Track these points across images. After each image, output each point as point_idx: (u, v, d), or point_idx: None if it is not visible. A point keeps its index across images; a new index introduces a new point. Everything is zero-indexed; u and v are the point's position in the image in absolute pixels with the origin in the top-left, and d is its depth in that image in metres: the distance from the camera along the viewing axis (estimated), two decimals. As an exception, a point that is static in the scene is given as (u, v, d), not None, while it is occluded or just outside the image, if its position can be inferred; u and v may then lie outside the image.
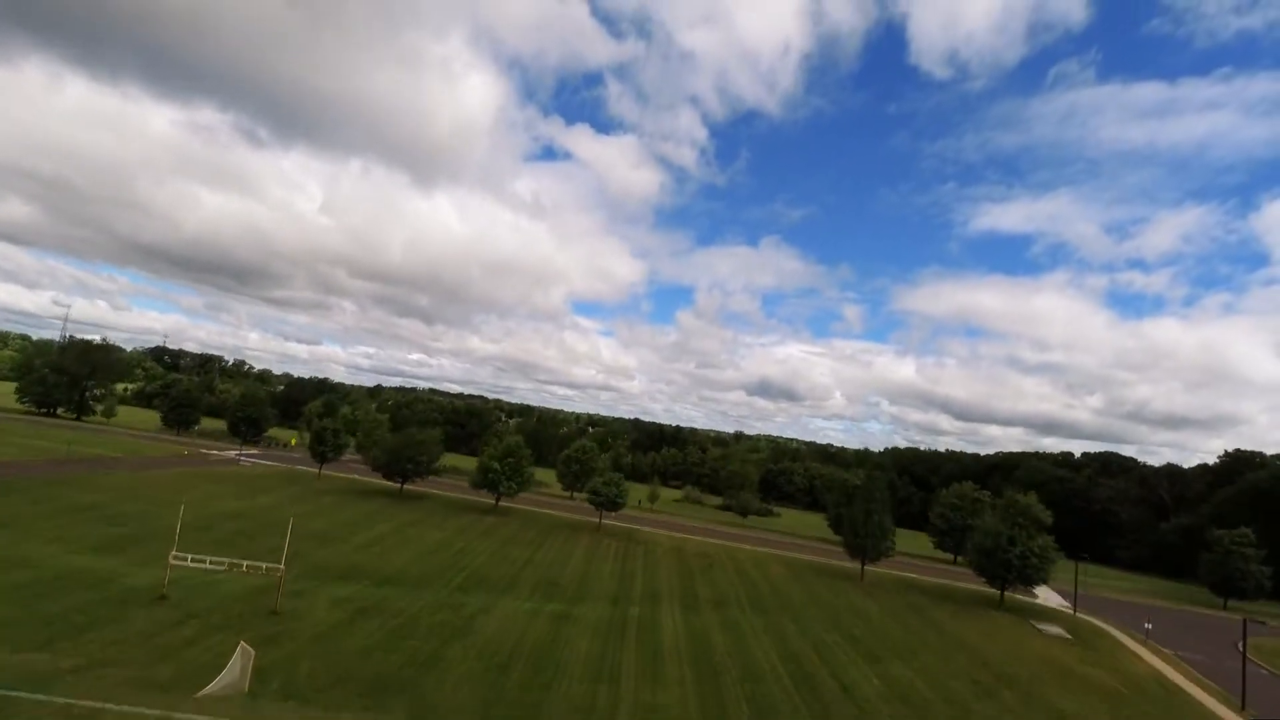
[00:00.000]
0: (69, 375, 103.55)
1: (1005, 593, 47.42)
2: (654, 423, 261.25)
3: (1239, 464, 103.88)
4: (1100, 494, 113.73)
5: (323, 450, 68.77)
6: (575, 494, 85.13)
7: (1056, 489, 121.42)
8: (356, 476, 73.92)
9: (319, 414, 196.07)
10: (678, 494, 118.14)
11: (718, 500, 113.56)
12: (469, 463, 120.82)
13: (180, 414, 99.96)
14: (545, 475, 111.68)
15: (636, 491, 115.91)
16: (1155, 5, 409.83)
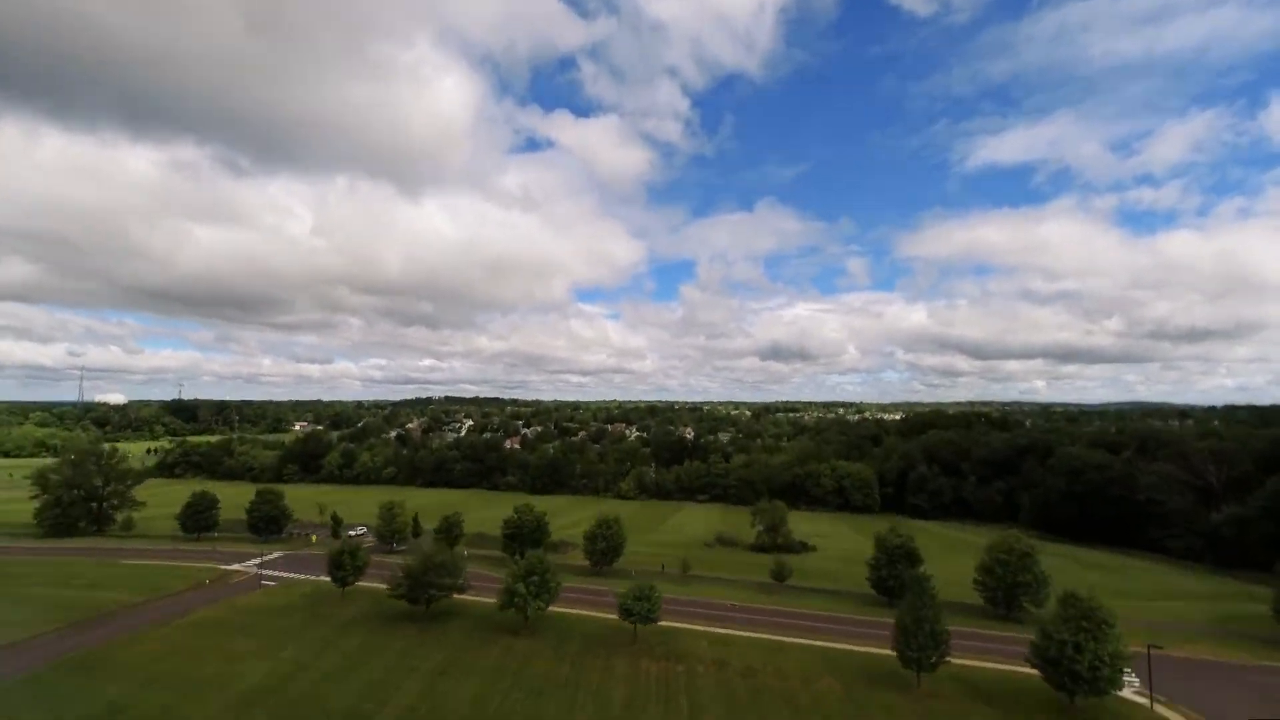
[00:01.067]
0: (83, 490, 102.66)
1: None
2: (675, 435, 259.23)
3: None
4: (1143, 481, 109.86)
5: (342, 575, 66.87)
6: (604, 569, 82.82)
7: (1094, 478, 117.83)
8: (381, 586, 71.27)
9: (340, 465, 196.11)
10: (709, 534, 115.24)
11: (750, 530, 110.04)
12: (493, 512, 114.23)
13: (197, 519, 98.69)
14: (569, 511, 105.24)
15: (665, 526, 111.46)
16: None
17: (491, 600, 65.35)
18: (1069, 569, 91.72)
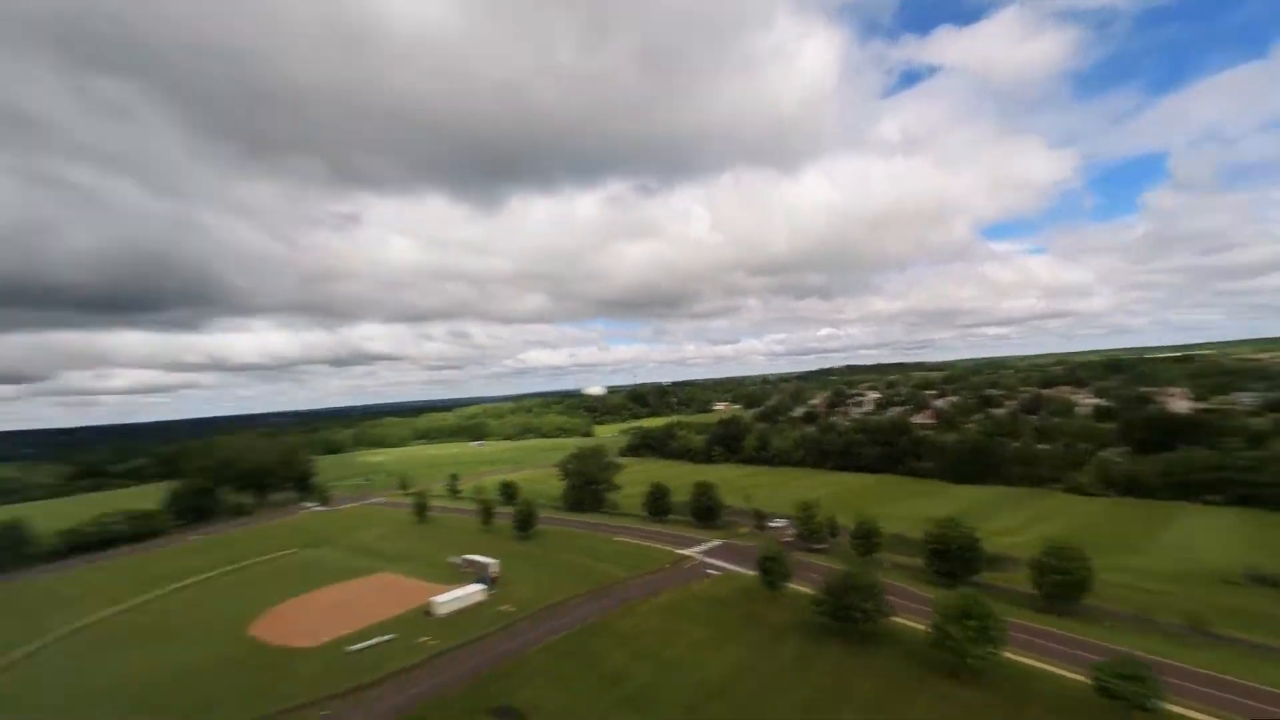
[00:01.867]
0: (586, 477, 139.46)
1: None
2: (1157, 406, 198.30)
3: None
4: None
5: (770, 579, 72.81)
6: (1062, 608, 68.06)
7: None
8: (805, 589, 74.31)
9: (756, 448, 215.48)
10: (1231, 564, 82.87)
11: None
12: (908, 505, 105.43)
13: (657, 505, 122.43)
14: (1002, 511, 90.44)
15: (1152, 545, 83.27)
16: None
17: (919, 626, 61.32)
18: None
